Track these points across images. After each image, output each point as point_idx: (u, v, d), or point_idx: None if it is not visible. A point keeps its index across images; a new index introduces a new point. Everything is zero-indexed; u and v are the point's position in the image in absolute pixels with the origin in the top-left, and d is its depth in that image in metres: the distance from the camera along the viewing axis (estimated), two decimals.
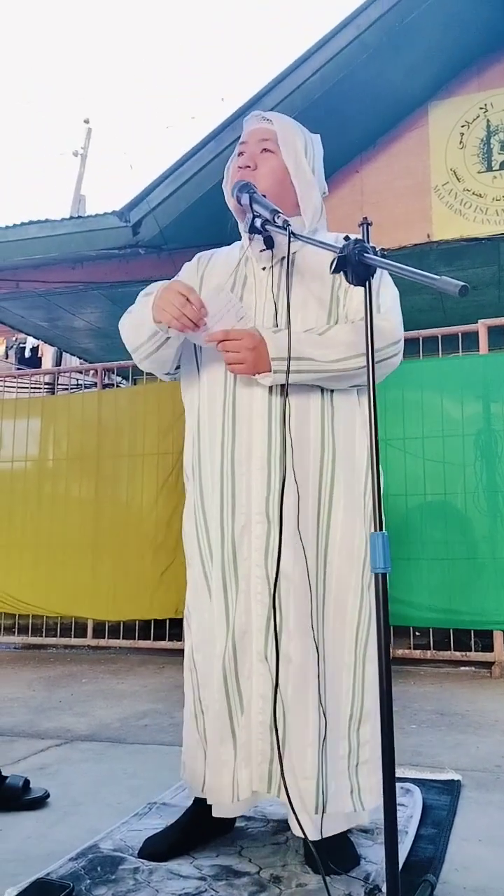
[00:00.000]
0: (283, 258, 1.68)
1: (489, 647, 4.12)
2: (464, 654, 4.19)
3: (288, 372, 1.53)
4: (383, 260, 1.26)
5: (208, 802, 1.63)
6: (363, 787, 1.59)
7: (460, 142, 5.20)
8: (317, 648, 1.57)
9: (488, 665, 4.10)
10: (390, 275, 1.51)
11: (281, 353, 1.54)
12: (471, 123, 5.18)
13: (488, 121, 5.14)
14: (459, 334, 4.47)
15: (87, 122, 15.20)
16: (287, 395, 1.56)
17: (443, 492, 4.19)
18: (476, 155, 5.15)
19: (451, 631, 4.25)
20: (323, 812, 1.53)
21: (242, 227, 1.72)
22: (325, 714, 1.56)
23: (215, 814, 1.65)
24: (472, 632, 4.24)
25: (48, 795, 2.05)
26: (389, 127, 5.31)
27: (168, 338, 1.66)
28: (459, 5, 4.68)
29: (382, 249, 1.28)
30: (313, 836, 1.51)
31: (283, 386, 1.57)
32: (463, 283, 1.09)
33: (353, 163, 5.40)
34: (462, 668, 4.21)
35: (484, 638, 4.23)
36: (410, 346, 4.53)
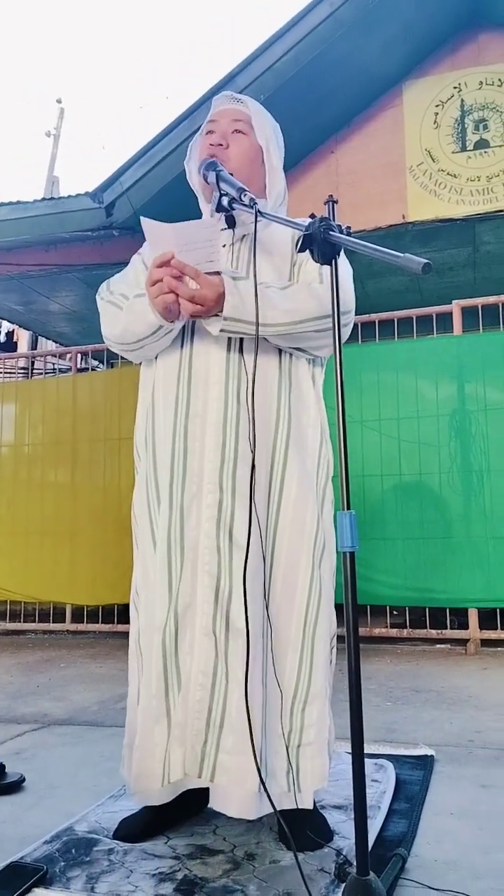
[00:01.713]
0: (244, 236, 1.68)
1: (464, 625, 4.18)
2: (439, 631, 4.25)
3: (257, 339, 1.50)
4: (348, 238, 1.25)
5: (132, 792, 1.61)
6: (303, 769, 1.57)
7: (435, 122, 5.19)
8: (268, 622, 1.57)
9: (463, 642, 4.15)
10: (356, 253, 1.49)
11: (234, 314, 1.51)
12: (445, 103, 5.17)
13: (462, 100, 5.13)
14: (434, 315, 4.48)
15: (59, 101, 14.98)
16: (254, 368, 1.53)
17: (418, 472, 4.23)
18: (450, 135, 5.14)
19: (427, 609, 4.30)
20: (263, 791, 1.49)
21: (207, 206, 1.70)
22: (269, 690, 1.56)
23: (138, 803, 1.64)
24: (448, 610, 4.29)
25: (24, 780, 2.05)
26: (364, 106, 5.28)
27: (173, 328, 1.61)
28: None
29: (348, 227, 1.27)
30: (255, 814, 1.51)
31: (241, 351, 1.58)
32: (426, 261, 1.09)
33: (329, 143, 5.37)
34: (438, 646, 4.26)
35: (459, 616, 4.28)
36: (386, 328, 4.56)
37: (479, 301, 4.36)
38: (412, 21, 4.83)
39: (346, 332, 1.66)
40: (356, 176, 5.29)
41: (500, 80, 5.07)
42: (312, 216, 1.31)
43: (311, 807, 1.62)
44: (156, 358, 1.73)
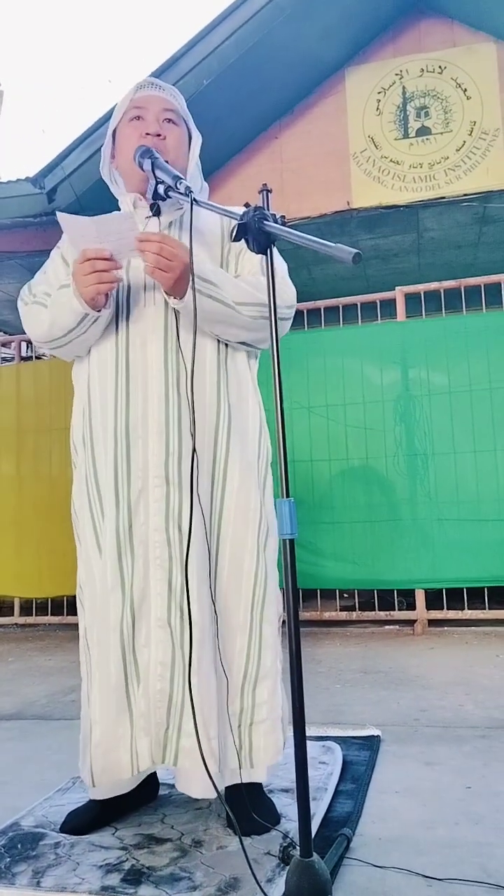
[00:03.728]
0: (171, 223, 1.69)
1: (412, 606, 4.26)
2: (388, 613, 4.33)
3: (195, 298, 1.49)
4: (282, 227, 1.26)
5: (96, 784, 1.61)
6: (256, 746, 1.61)
7: (377, 108, 5.21)
8: (214, 609, 1.58)
9: (411, 623, 4.24)
10: (295, 245, 1.50)
11: (204, 275, 1.53)
12: (387, 90, 5.19)
13: (404, 87, 5.16)
14: (378, 302, 4.53)
15: None
16: (192, 358, 1.54)
17: (365, 456, 4.28)
18: (393, 122, 5.17)
19: (376, 591, 4.37)
20: (207, 770, 1.50)
21: (126, 196, 1.72)
22: (221, 675, 1.58)
23: (101, 796, 1.65)
24: (396, 591, 4.37)
25: None
26: (307, 92, 5.28)
27: (99, 316, 1.60)
28: None
29: (282, 216, 1.27)
30: (211, 794, 1.52)
31: (178, 341, 1.58)
32: (356, 251, 1.10)
33: (273, 129, 5.35)
34: (386, 627, 4.34)
35: (407, 597, 4.37)
36: (331, 314, 4.59)
37: (421, 287, 4.42)
38: (353, 7, 4.83)
39: (286, 326, 1.68)
40: (300, 163, 5.28)
41: (440, 67, 5.11)
42: (247, 205, 1.30)
43: (264, 780, 1.65)
44: (88, 352, 1.71)
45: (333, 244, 1.13)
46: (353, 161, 5.21)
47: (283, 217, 1.26)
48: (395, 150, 5.15)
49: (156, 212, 1.60)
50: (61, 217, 1.49)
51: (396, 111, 5.17)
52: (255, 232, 1.28)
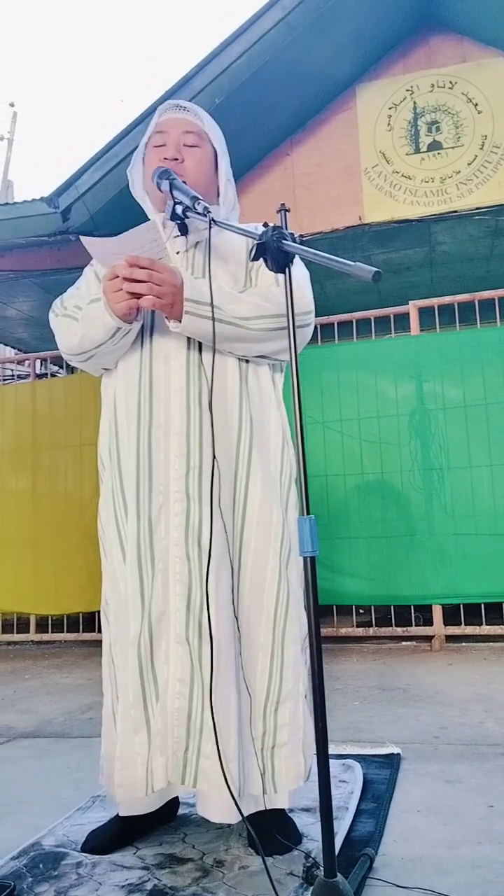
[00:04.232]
0: (197, 243, 1.69)
1: (429, 622, 4.23)
2: (405, 629, 4.29)
3: (213, 321, 1.50)
4: (301, 247, 1.26)
5: (117, 801, 1.61)
6: (278, 770, 1.58)
7: (388, 124, 5.25)
8: (237, 627, 1.58)
9: (428, 639, 4.21)
10: (308, 262, 1.51)
11: (196, 297, 1.52)
12: (398, 105, 5.23)
13: (415, 103, 5.20)
14: (391, 316, 4.53)
15: (12, 105, 14.79)
16: (212, 369, 1.55)
17: (380, 471, 4.27)
18: (404, 137, 5.21)
19: (392, 607, 4.35)
20: (231, 795, 1.49)
21: (157, 215, 1.71)
22: (243, 694, 1.57)
23: (124, 812, 1.63)
24: (413, 607, 4.34)
25: None
26: (318, 109, 5.33)
27: (130, 329, 1.61)
28: None
29: (301, 235, 1.28)
30: (234, 819, 1.51)
31: (200, 356, 1.59)
32: (376, 270, 1.11)
33: (284, 146, 5.40)
34: (403, 643, 4.31)
35: (424, 612, 4.34)
36: (344, 329, 4.60)
37: (435, 301, 4.42)
38: (364, 25, 4.89)
39: (307, 333, 1.68)
40: (312, 178, 5.32)
41: (451, 82, 5.15)
42: (266, 225, 1.31)
43: (286, 806, 1.63)
44: (116, 366, 1.72)
45: (353, 263, 1.14)
46: (364, 176, 5.25)
47: (301, 236, 1.27)
48: (406, 164, 5.18)
49: (182, 231, 1.61)
50: (85, 241, 1.51)
51: (408, 126, 5.20)
52: (273, 251, 1.29)
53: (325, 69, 5.05)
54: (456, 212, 5.02)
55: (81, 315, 1.66)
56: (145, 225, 1.47)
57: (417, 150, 5.18)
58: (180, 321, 1.54)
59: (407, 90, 5.22)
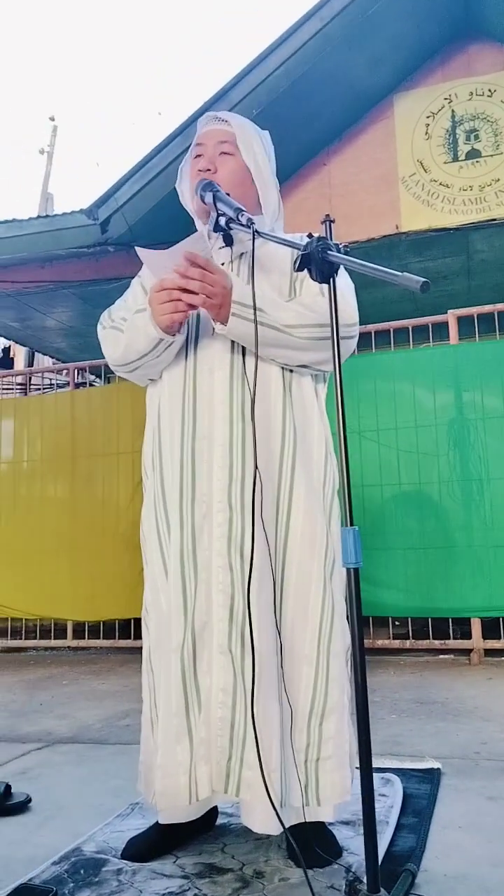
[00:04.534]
0: (242, 254, 1.70)
1: (468, 635, 4.17)
2: (443, 642, 4.24)
3: (256, 326, 1.51)
4: (346, 257, 1.26)
5: (158, 809, 1.61)
6: (322, 783, 1.57)
7: (426, 132, 5.23)
8: (279, 639, 1.57)
9: (467, 652, 4.15)
10: (355, 272, 1.51)
11: (243, 299, 1.53)
12: (436, 114, 5.21)
13: (453, 111, 5.17)
14: (430, 325, 4.50)
15: (52, 119, 15.04)
16: (254, 381, 1.55)
17: (418, 481, 4.23)
18: (442, 145, 5.18)
19: (430, 619, 4.29)
20: (272, 806, 1.48)
21: (202, 227, 1.72)
22: (285, 706, 1.56)
23: (164, 820, 1.63)
24: (451, 620, 4.28)
25: (30, 800, 2.04)
26: (355, 119, 5.33)
27: (172, 341, 1.63)
28: None
29: (346, 246, 1.28)
30: (275, 830, 1.50)
31: (243, 373, 1.60)
32: (424, 280, 1.10)
33: (321, 155, 5.41)
34: (441, 656, 4.26)
35: (462, 625, 4.28)
36: (382, 338, 4.57)
37: (474, 310, 4.38)
38: (401, 34, 4.88)
39: (351, 345, 1.68)
40: (349, 188, 5.32)
41: (490, 90, 5.11)
42: (310, 236, 1.32)
43: (330, 819, 1.62)
44: (160, 376, 1.74)
45: (400, 273, 1.14)
46: (401, 185, 5.23)
47: (346, 246, 1.27)
48: (444, 173, 5.15)
49: (228, 242, 1.62)
50: (140, 252, 1.54)
51: (446, 135, 5.17)
52: (318, 262, 1.29)
53: (362, 79, 5.05)
54: (495, 220, 4.97)
55: (126, 325, 1.69)
56: (193, 236, 1.49)
57: (456, 159, 5.14)
58: (226, 324, 1.55)
59: (445, 99, 5.20)
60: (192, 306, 1.54)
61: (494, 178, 5.03)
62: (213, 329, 1.62)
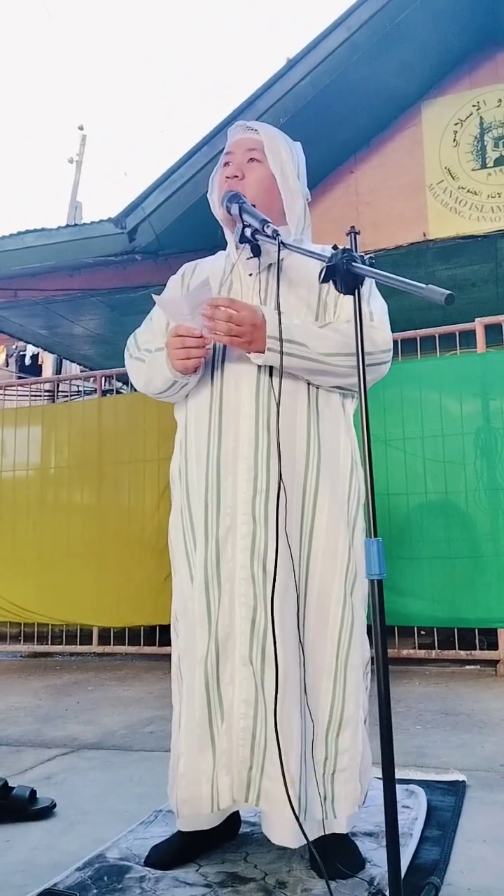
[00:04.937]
0: (269, 265, 1.71)
1: (494, 646, 4.12)
2: (468, 652, 4.20)
3: (281, 356, 1.54)
4: (371, 269, 1.27)
5: (179, 816, 1.63)
6: (338, 795, 1.58)
7: (454, 140, 5.21)
8: (301, 651, 1.58)
9: (493, 663, 4.10)
10: (380, 283, 1.51)
11: (277, 334, 1.55)
12: (464, 121, 5.19)
13: (481, 118, 5.15)
14: (457, 333, 4.47)
15: (81, 128, 15.15)
16: (279, 396, 1.57)
17: (444, 490, 4.20)
18: (470, 153, 5.16)
19: (456, 630, 4.25)
20: (295, 818, 1.49)
21: (230, 237, 1.73)
22: (307, 718, 1.56)
23: (185, 827, 1.65)
24: (477, 630, 4.24)
25: (55, 805, 2.06)
26: (383, 127, 5.32)
27: (188, 382, 1.69)
28: (448, 4, 4.69)
29: (371, 257, 1.28)
30: (296, 843, 1.51)
31: (271, 382, 1.61)
32: (449, 292, 1.10)
33: (348, 163, 5.41)
34: (467, 667, 4.21)
35: (489, 636, 4.23)
36: (408, 346, 4.55)
37: (502, 318, 4.34)
38: (429, 42, 4.87)
39: (384, 370, 1.68)
40: (376, 195, 5.32)
41: None
42: (335, 247, 1.32)
43: (345, 831, 1.62)
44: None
45: (425, 286, 1.14)
46: (429, 192, 5.21)
47: (371, 258, 1.27)
48: (472, 180, 5.12)
49: (256, 253, 1.63)
50: (158, 300, 1.65)
51: (474, 142, 5.15)
52: (343, 273, 1.29)
53: (389, 87, 5.05)
54: None
55: (147, 360, 1.75)
56: (201, 283, 1.57)
57: (484, 166, 5.12)
58: (261, 354, 1.58)
59: (473, 106, 5.18)
60: (205, 353, 1.61)
61: None
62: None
